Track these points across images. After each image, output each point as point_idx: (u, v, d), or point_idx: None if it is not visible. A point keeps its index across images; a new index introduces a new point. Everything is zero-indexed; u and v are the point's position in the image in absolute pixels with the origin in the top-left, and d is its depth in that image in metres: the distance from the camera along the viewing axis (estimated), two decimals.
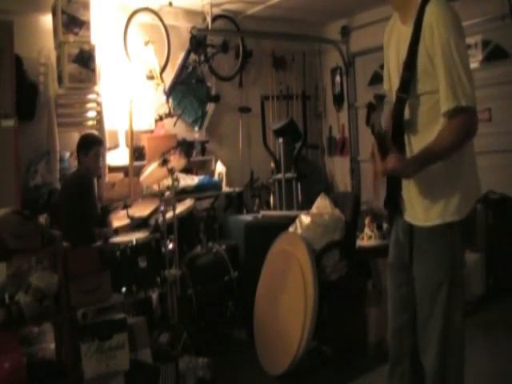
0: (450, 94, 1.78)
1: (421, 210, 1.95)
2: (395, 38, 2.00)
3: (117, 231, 3.82)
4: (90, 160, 3.91)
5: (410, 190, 1.98)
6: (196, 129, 5.50)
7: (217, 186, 5.17)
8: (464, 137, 1.82)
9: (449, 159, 1.85)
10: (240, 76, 5.79)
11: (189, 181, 4.93)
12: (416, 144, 1.91)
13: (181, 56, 5.18)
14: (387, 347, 2.16)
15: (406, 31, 1.90)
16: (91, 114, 4.51)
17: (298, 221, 3.72)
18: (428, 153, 1.81)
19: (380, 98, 1.87)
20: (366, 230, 4.09)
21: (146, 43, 4.92)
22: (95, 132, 4.32)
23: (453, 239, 1.91)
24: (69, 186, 3.95)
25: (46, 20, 4.43)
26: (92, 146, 3.92)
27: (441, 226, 1.90)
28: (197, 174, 5.15)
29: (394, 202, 2.00)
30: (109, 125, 4.62)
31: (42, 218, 2.78)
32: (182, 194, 4.53)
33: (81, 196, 3.79)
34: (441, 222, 1.89)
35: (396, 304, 2.11)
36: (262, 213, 4.69)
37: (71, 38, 4.22)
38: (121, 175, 4.72)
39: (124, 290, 3.45)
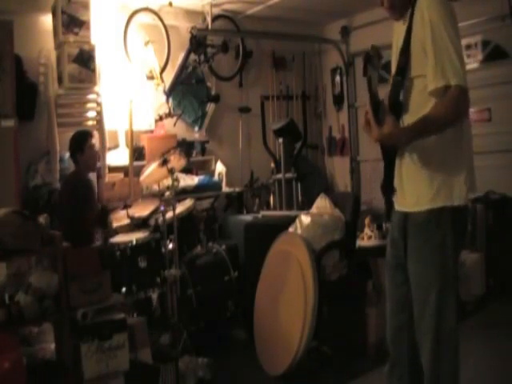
0: (439, 73, 1.82)
1: (410, 195, 1.97)
2: (397, 37, 2.07)
3: (116, 231, 3.82)
4: (87, 156, 3.91)
5: (401, 176, 2.00)
6: (196, 129, 5.50)
7: (217, 186, 5.17)
8: (455, 112, 1.84)
9: (443, 145, 1.89)
10: (240, 76, 5.79)
11: (189, 181, 4.93)
12: (408, 122, 1.94)
13: (181, 56, 5.17)
14: (387, 347, 2.16)
15: (403, 26, 1.98)
16: (91, 114, 4.51)
17: (298, 221, 3.72)
18: (421, 123, 1.84)
19: (376, 50, 1.91)
20: (366, 230, 4.09)
21: (146, 43, 4.92)
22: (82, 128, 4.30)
23: (443, 239, 1.90)
24: (67, 186, 3.97)
25: (46, 20, 4.43)
26: (84, 141, 3.93)
27: (429, 216, 1.90)
28: (197, 174, 5.15)
29: (390, 189, 2.00)
30: (109, 125, 4.61)
31: (42, 218, 2.78)
32: (181, 194, 4.53)
33: (80, 196, 3.81)
34: (429, 206, 1.90)
35: (394, 304, 2.11)
36: (262, 213, 4.70)
37: (71, 37, 4.22)
38: (121, 175, 4.72)
39: (124, 290, 3.46)
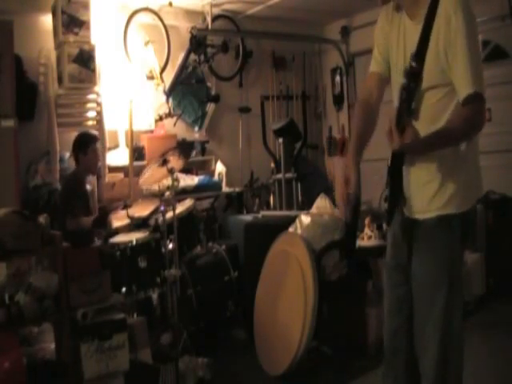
0: (470, 80, 1.77)
1: (420, 202, 1.94)
2: (400, 33, 1.98)
3: (116, 231, 3.83)
4: (89, 158, 3.94)
5: (410, 182, 1.97)
6: (196, 129, 5.50)
7: (217, 185, 5.17)
8: (474, 126, 1.81)
9: (452, 152, 1.86)
10: (240, 76, 5.79)
11: (189, 181, 4.93)
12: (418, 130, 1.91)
13: (181, 56, 5.18)
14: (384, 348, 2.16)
15: (415, 26, 1.89)
16: (91, 114, 4.52)
17: (297, 221, 3.72)
18: (439, 135, 1.80)
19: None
20: (366, 230, 4.09)
21: (146, 43, 4.93)
22: (89, 130, 4.33)
23: (452, 240, 1.90)
24: (63, 185, 4.00)
25: (46, 20, 4.43)
26: (89, 144, 3.97)
27: (443, 221, 1.89)
28: (197, 174, 5.15)
29: (395, 198, 1.98)
30: (109, 125, 4.62)
31: (42, 218, 2.78)
32: (182, 194, 4.53)
33: (68, 191, 3.85)
34: (440, 213, 1.89)
35: (392, 305, 2.10)
36: (262, 213, 4.69)
37: (71, 37, 4.22)
38: (121, 175, 4.72)
39: (124, 290, 3.46)
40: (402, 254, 2.02)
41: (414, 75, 1.85)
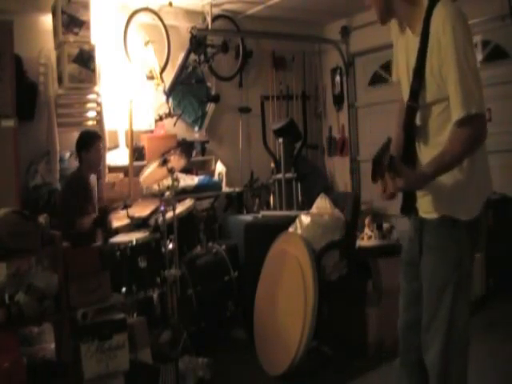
0: (460, 103, 1.76)
1: (426, 204, 1.96)
2: (404, 44, 1.99)
3: (116, 231, 3.83)
4: (92, 156, 3.94)
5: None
6: (196, 129, 5.50)
7: (217, 185, 5.17)
8: (474, 145, 1.81)
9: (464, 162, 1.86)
10: (240, 76, 5.79)
11: (189, 181, 4.93)
12: (426, 151, 1.93)
13: (181, 56, 5.18)
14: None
15: (415, 41, 1.88)
16: (91, 114, 4.52)
17: (298, 221, 3.72)
18: (438, 164, 1.82)
19: (384, 151, 1.83)
20: (366, 230, 4.09)
21: (146, 43, 4.93)
22: (92, 128, 4.33)
23: (460, 240, 1.91)
24: (65, 185, 4.00)
25: (46, 20, 4.43)
26: (93, 142, 3.97)
27: (448, 221, 1.89)
28: (197, 174, 5.15)
29: (410, 205, 2.00)
30: (109, 125, 4.62)
31: (42, 218, 2.78)
32: (182, 194, 4.53)
33: (72, 192, 3.84)
34: (448, 213, 1.89)
35: (407, 298, 2.12)
36: (262, 213, 4.69)
37: (71, 38, 4.22)
38: (121, 175, 4.72)
39: (124, 290, 3.46)
40: (415, 250, 2.05)
41: (414, 93, 1.87)
